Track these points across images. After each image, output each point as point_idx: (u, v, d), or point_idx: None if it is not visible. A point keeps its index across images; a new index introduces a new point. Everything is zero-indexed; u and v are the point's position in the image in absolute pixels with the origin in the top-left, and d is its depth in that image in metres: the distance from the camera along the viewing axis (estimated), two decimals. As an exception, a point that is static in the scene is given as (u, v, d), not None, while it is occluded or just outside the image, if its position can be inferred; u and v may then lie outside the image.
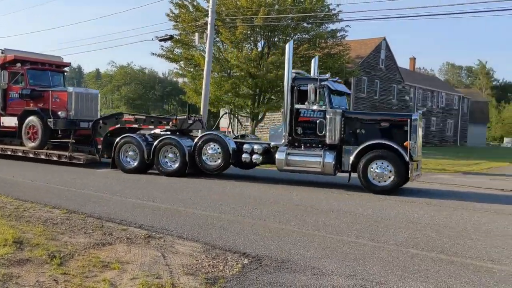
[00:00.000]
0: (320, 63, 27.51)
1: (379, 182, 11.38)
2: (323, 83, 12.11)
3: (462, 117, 59.16)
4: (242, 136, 14.63)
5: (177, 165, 13.34)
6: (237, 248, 5.98)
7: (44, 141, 16.22)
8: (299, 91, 12.30)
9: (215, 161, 13.14)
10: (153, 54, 27.91)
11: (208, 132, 13.75)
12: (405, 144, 11.22)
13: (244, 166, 13.88)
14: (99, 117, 16.75)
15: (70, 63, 19.82)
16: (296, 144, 12.34)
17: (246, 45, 28.00)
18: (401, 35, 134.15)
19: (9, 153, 16.49)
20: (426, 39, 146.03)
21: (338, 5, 28.69)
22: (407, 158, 11.13)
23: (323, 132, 12.01)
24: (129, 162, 13.98)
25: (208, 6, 22.01)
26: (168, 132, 14.12)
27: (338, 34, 27.69)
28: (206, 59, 20.28)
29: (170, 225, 7.18)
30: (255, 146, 12.84)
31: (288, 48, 12.58)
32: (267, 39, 27.45)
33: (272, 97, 28.13)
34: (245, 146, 12.97)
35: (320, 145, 12.15)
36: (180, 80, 36.63)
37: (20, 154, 16.20)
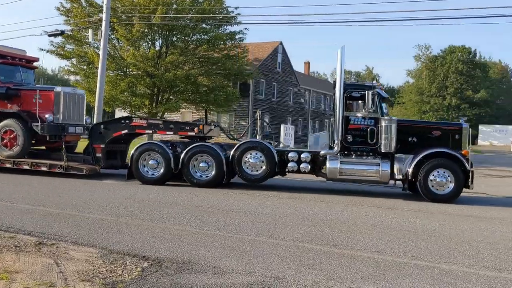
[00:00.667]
0: (219, 64, 27.88)
1: (438, 190, 11.32)
2: (375, 90, 11.93)
3: (351, 119, 62.97)
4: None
5: (212, 174, 12.27)
6: (136, 251, 5.84)
7: (26, 149, 14.03)
8: (348, 98, 12.06)
9: (257, 171, 12.25)
10: (42, 50, 26.25)
11: (250, 140, 13.25)
12: (464, 152, 11.41)
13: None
14: (87, 121, 15.20)
15: (38, 58, 17.28)
16: (346, 152, 11.91)
17: (143, 44, 27.42)
18: (297, 39, 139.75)
19: None
20: (320, 45, 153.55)
21: (236, 8, 28.97)
22: (468, 167, 11.21)
23: (374, 140, 11.77)
24: (147, 171, 12.64)
25: (102, 2, 21.17)
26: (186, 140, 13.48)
27: (237, 36, 28.15)
28: (101, 57, 19.54)
29: (64, 230, 6.80)
30: (302, 155, 12.14)
31: (340, 55, 11.93)
32: (165, 38, 27.08)
33: (171, 97, 27.82)
34: (290, 154, 12.24)
35: (371, 154, 11.90)
36: (72, 78, 34.80)
37: None
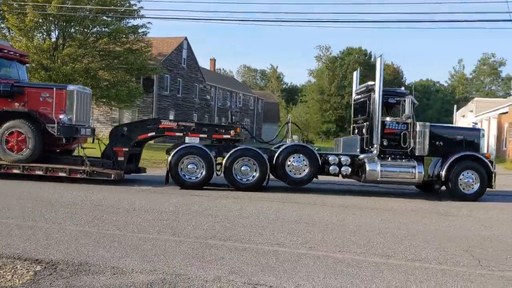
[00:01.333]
0: (121, 58, 26.98)
1: (465, 190, 12.21)
2: (410, 97, 12.61)
3: (257, 116, 64.31)
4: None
5: (256, 178, 12.16)
6: (28, 255, 5.49)
7: (37, 153, 12.46)
8: (384, 104, 12.50)
9: (300, 174, 12.33)
10: None
11: (295, 144, 12.82)
12: (487, 155, 12.48)
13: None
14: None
15: (27, 53, 15.08)
16: (381, 155, 12.35)
17: (38, 34, 25.72)
18: (202, 36, 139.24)
19: None
20: (227, 42, 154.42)
21: (139, 1, 28.19)
22: (492, 168, 12.23)
23: (407, 143, 12.42)
24: (185, 175, 12.12)
25: (-10, -13, 19.52)
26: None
27: (140, 30, 27.45)
28: (-12, 47, 17.94)
29: None
30: (343, 158, 12.45)
31: (380, 63, 12.48)
32: (62, 30, 25.66)
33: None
34: (331, 157, 12.46)
35: (403, 156, 12.51)
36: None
37: None
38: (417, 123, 12.65)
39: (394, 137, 12.61)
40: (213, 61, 60.89)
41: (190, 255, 5.80)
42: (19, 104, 12.76)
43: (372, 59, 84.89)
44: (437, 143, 12.69)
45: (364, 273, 5.37)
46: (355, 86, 14.80)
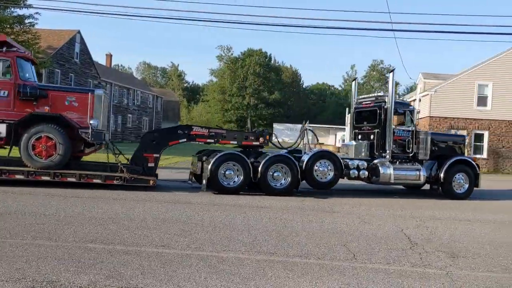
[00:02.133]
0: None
1: (457, 190, 14.18)
2: (414, 108, 14.50)
3: (156, 115, 62.99)
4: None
5: (288, 183, 12.76)
6: None
7: (66, 159, 11.92)
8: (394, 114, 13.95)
9: (326, 178, 13.16)
10: None
11: (321, 150, 14.02)
12: (474, 159, 14.65)
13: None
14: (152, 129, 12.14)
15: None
16: (390, 160, 13.72)
17: None
18: (101, 30, 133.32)
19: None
20: (125, 37, 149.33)
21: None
22: (478, 170, 14.27)
23: (411, 149, 14.04)
24: (223, 181, 12.39)
25: None
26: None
27: (26, 21, 25.56)
28: None
29: None
30: (360, 163, 13.61)
31: (392, 77, 14.15)
32: None
33: None
34: (350, 162, 13.58)
35: (407, 160, 14.10)
36: None
37: (20, 176, 11.56)
38: (420, 131, 14.66)
39: (402, 143, 14.17)
40: (109, 56, 58.48)
41: (66, 260, 5.48)
42: (42, 108, 12.04)
43: (272, 62, 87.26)
44: (433, 148, 14.48)
45: (245, 271, 5.45)
46: (354, 96, 16.05)
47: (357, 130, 15.37)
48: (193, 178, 14.04)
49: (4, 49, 12.09)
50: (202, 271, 5.34)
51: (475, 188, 14.40)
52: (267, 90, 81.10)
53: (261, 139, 13.50)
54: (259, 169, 12.55)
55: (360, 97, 15.92)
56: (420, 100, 35.25)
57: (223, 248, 6.47)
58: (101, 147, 13.25)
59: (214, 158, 12.34)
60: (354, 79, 17.23)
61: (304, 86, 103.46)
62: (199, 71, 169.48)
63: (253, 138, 13.60)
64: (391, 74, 14.31)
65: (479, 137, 32.38)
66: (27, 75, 12.58)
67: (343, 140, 57.76)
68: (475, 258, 6.69)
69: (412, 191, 16.23)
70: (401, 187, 16.31)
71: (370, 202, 12.50)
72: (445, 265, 6.23)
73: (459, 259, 6.62)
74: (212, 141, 13.36)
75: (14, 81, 11.93)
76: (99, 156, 14.11)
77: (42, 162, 11.73)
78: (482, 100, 32.41)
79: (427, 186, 15.12)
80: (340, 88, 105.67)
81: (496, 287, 5.39)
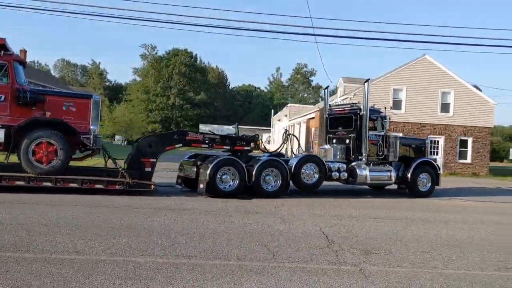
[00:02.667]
0: None
1: (422, 188, 15.71)
2: (385, 115, 15.93)
3: (76, 115, 60.17)
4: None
5: (278, 186, 13.42)
6: None
7: (66, 165, 11.98)
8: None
9: (311, 180, 14.09)
10: None
11: (307, 154, 15.61)
12: (434, 160, 16.63)
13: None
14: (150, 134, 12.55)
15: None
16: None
17: None
18: (13, 25, 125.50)
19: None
20: (42, 33, 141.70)
21: None
22: (438, 171, 16.12)
23: (381, 152, 15.40)
24: (219, 185, 12.79)
25: None
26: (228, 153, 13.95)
27: None
28: None
29: None
30: (340, 165, 14.79)
31: (367, 87, 15.33)
32: None
33: None
34: (331, 165, 14.66)
35: (379, 162, 15.44)
36: None
37: (21, 182, 11.31)
38: (390, 135, 15.99)
39: (374, 146, 15.43)
40: (24, 52, 55.01)
41: (-35, 271, 5.06)
42: (39, 113, 11.78)
43: (198, 62, 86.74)
44: (401, 151, 15.91)
45: (163, 276, 5.33)
46: (326, 102, 17.27)
47: (331, 135, 16.52)
48: (182, 182, 14.27)
49: (2, 52, 11.81)
50: (117, 278, 5.15)
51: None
52: (192, 91, 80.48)
53: (252, 144, 14.15)
54: (253, 173, 13.05)
55: (334, 104, 17.44)
56: (340, 103, 36.62)
57: (141, 252, 6.29)
58: (96, 153, 13.12)
59: (213, 163, 12.66)
60: (327, 87, 18.30)
61: (230, 87, 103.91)
62: (122, 70, 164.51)
63: (244, 143, 14.11)
64: (366, 84, 15.56)
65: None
66: (22, 79, 12.29)
67: (269, 142, 58.75)
68: (387, 254, 7.02)
69: (370, 190, 17.39)
70: (364, 186, 16.96)
71: (292, 202, 12.73)
72: (359, 262, 6.48)
73: (372, 255, 6.91)
74: (207, 146, 13.68)
75: (11, 85, 11.66)
76: (88, 162, 14.07)
77: (43, 168, 11.54)
78: (397, 104, 34.24)
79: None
80: (266, 90, 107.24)
81: (405, 281, 5.69)
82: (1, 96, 11.60)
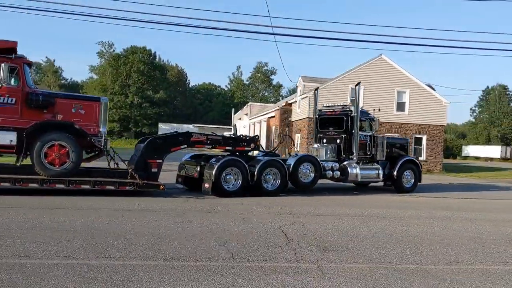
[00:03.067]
0: None
1: (406, 184, 17.07)
2: (372, 116, 16.94)
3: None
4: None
5: (277, 184, 14.19)
6: None
7: (78, 166, 12.10)
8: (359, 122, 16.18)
9: (308, 179, 14.97)
10: None
11: (304, 154, 16.30)
12: (417, 158, 18.20)
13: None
14: (158, 135, 14.83)
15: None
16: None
17: None
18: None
19: (7, 184, 11.11)
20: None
21: None
22: (421, 168, 17.53)
23: (370, 151, 16.52)
24: (224, 185, 13.36)
25: None
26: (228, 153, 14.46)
27: None
28: None
29: None
30: (334, 164, 15.74)
31: (358, 91, 16.69)
32: None
33: None
34: (325, 164, 15.54)
35: (367, 161, 16.53)
36: None
37: (35, 185, 11.30)
38: (378, 135, 17.03)
39: (363, 146, 16.41)
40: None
41: None
42: (49, 115, 11.88)
43: (157, 60, 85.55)
44: (388, 150, 16.99)
45: (118, 278, 5.22)
46: (316, 103, 18.16)
47: (321, 135, 17.44)
48: (182, 181, 14.81)
49: (13, 55, 11.71)
50: (70, 281, 5.01)
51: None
52: (151, 89, 79.27)
53: (252, 145, 14.82)
54: (255, 172, 13.73)
55: (325, 105, 18.17)
56: (300, 102, 36.98)
57: (96, 255, 6.14)
58: (103, 154, 13.04)
59: (218, 164, 13.18)
60: (316, 89, 19.16)
61: (190, 86, 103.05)
62: (78, 68, 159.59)
63: (245, 144, 14.74)
64: (356, 87, 16.71)
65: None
66: (31, 81, 12.22)
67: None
68: (343, 251, 7.14)
69: (353, 187, 18.38)
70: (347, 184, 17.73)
71: (249, 201, 12.75)
72: (317, 259, 6.56)
73: (329, 252, 7.01)
74: (210, 147, 14.23)
75: (22, 88, 11.67)
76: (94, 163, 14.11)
77: (56, 170, 11.68)
78: (354, 103, 34.89)
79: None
80: (226, 89, 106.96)
81: (360, 277, 5.80)
82: (12, 99, 11.57)
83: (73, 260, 5.82)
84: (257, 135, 16.15)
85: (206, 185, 13.22)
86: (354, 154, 16.01)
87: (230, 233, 8.00)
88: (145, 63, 77.95)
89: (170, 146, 13.51)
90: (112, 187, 12.05)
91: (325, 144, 16.89)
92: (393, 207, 12.87)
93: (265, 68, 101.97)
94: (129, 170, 12.42)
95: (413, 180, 17.26)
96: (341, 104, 17.68)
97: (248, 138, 15.15)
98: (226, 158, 13.57)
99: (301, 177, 14.86)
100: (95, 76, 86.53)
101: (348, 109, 16.63)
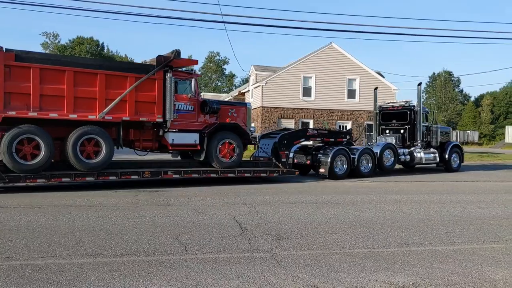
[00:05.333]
0: None
1: (454, 165, 21.22)
2: (428, 110, 21.11)
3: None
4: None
5: (370, 168, 17.94)
6: None
7: (241, 159, 15.29)
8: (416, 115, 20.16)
9: (388, 163, 18.84)
10: None
11: (387, 143, 19.37)
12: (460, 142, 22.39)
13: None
14: (284, 132, 16.85)
15: None
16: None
17: None
18: None
19: (194, 175, 14.14)
20: None
21: None
22: (463, 151, 21.80)
23: (427, 139, 20.39)
24: (335, 169, 16.96)
25: None
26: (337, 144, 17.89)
27: None
28: None
29: None
30: (404, 150, 19.57)
31: (419, 90, 20.35)
32: None
33: None
34: (400, 150, 19.29)
35: (424, 147, 20.07)
36: None
37: (213, 175, 14.36)
38: (433, 125, 20.72)
39: (423, 135, 20.07)
40: None
41: None
42: (213, 119, 14.79)
43: (105, 50, 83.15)
44: (440, 137, 20.74)
45: (65, 278, 4.99)
46: (375, 100, 21.77)
47: (383, 126, 21.28)
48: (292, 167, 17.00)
49: (193, 71, 14.80)
50: (12, 283, 4.74)
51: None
52: (101, 81, 77.03)
53: (348, 136, 18.37)
54: (355, 159, 17.34)
55: (387, 101, 22.28)
56: (252, 91, 36.88)
57: (41, 254, 5.86)
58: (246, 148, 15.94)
59: (332, 153, 16.81)
60: (376, 88, 22.81)
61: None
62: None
63: (343, 136, 18.25)
64: (418, 87, 20.21)
65: (305, 126, 35.25)
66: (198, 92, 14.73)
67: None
68: (298, 238, 7.15)
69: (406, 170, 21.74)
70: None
71: (205, 191, 12.61)
72: (271, 248, 6.53)
73: (284, 240, 7.00)
74: (319, 139, 17.64)
75: (197, 97, 14.43)
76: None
77: (227, 162, 14.68)
78: (307, 91, 35.22)
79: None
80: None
81: (314, 263, 5.81)
82: (192, 107, 14.27)
83: (15, 261, 5.53)
84: (351, 129, 20.03)
85: (322, 170, 16.84)
86: (418, 141, 19.80)
87: (183, 226, 7.85)
88: (92, 54, 75.59)
89: (293, 140, 16.72)
90: (265, 174, 15.33)
91: (388, 134, 20.76)
92: (344, 193, 13.07)
93: (217, 57, 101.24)
94: (273, 161, 15.76)
95: (458, 161, 21.42)
96: (403, 101, 21.23)
97: (345, 131, 18.96)
98: (336, 148, 17.06)
99: (384, 161, 18.55)
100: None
101: (411, 105, 20.42)
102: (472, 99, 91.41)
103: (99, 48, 79.33)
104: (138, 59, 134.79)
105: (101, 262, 5.62)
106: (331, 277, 5.32)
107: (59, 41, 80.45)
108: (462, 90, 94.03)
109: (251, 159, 16.73)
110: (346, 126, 35.47)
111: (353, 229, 7.97)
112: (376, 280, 5.23)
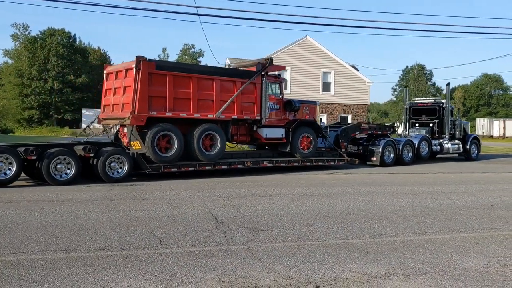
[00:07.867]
0: None
1: (473, 155, 24.05)
2: (453, 106, 24.56)
3: None
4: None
5: (410, 157, 20.91)
6: None
7: (316, 150, 17.68)
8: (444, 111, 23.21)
9: (424, 152, 21.81)
10: None
11: (423, 135, 22.40)
12: (477, 135, 25.81)
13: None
14: (344, 126, 19.87)
15: None
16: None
17: None
18: None
19: (283, 164, 16.64)
20: None
21: None
22: (480, 142, 24.77)
23: (452, 131, 23.22)
24: (384, 157, 19.71)
25: None
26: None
27: None
28: None
29: None
30: (435, 141, 22.58)
31: (448, 89, 24.25)
32: None
33: None
34: (432, 142, 22.39)
35: (448, 138, 22.88)
36: None
37: (296, 164, 16.94)
38: (456, 120, 23.48)
39: (449, 128, 23.00)
40: None
41: None
42: (292, 115, 17.07)
43: (77, 42, 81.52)
44: (462, 130, 23.73)
45: (38, 273, 4.93)
46: (406, 97, 24.81)
47: (413, 121, 24.03)
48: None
49: (279, 75, 17.46)
50: (-18, 281, 4.64)
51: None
52: (73, 73, 75.30)
53: (391, 129, 21.43)
54: (400, 149, 20.20)
55: (416, 98, 26.12)
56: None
57: (13, 250, 5.76)
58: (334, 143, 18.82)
59: (382, 144, 19.54)
60: (406, 86, 27.20)
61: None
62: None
63: (387, 129, 21.11)
64: (447, 86, 23.84)
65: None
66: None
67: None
68: (273, 231, 7.20)
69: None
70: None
71: (180, 185, 12.55)
72: (247, 240, 6.56)
73: (259, 233, 7.05)
74: (370, 132, 20.27)
75: (282, 98, 16.89)
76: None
77: (304, 153, 17.05)
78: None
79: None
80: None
81: (289, 255, 5.87)
82: (278, 106, 16.69)
83: (-15, 258, 5.41)
84: (393, 122, 23.15)
85: (374, 159, 19.49)
86: (446, 134, 22.75)
87: (158, 220, 7.81)
88: (64, 46, 73.84)
89: (351, 132, 19.47)
90: (333, 163, 18.11)
91: (418, 128, 23.40)
92: (319, 185, 13.19)
93: (192, 50, 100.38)
94: (339, 151, 18.35)
95: (477, 152, 24.27)
96: (432, 98, 24.37)
97: (389, 125, 22.03)
98: (386, 140, 19.81)
99: (421, 151, 21.29)
100: (10, 61, 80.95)
101: (440, 102, 23.44)
102: (444, 92, 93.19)
103: (71, 40, 77.62)
104: (111, 52, 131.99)
105: (75, 257, 5.55)
106: (306, 268, 5.38)
107: (29, 33, 78.48)
108: (434, 83, 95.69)
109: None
110: (321, 119, 35.74)
111: (328, 220, 8.06)
112: (350, 271, 5.32)
